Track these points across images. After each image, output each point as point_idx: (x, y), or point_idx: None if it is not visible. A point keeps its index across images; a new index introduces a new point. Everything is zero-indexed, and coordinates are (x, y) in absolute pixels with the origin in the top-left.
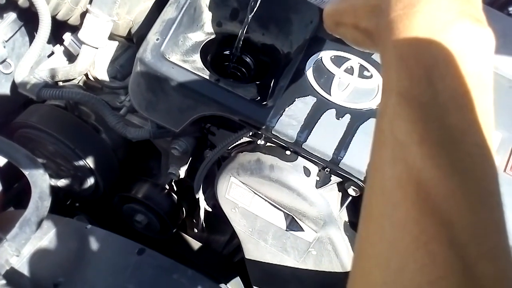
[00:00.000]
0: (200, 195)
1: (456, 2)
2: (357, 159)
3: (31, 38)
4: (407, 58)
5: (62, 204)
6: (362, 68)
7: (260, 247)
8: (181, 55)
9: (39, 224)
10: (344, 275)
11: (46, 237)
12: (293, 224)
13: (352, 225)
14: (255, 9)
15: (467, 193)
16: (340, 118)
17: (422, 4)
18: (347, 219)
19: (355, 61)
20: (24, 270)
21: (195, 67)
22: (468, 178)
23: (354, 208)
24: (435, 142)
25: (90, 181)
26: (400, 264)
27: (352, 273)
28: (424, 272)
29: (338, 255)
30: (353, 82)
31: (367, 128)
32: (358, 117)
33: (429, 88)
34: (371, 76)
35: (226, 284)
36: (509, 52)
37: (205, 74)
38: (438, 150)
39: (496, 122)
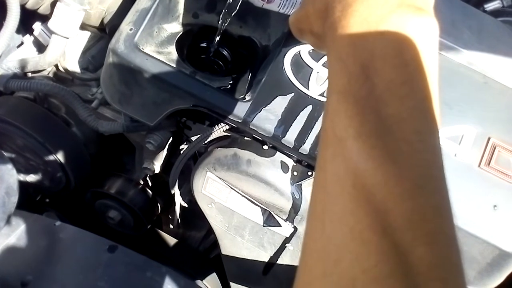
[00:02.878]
0: (176, 191)
1: None
2: None
3: None
4: (345, 58)
5: (31, 200)
6: None
7: (236, 243)
8: (155, 46)
9: (6, 221)
10: None
11: (14, 234)
12: (270, 220)
13: None
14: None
15: (403, 180)
16: (318, 113)
17: (358, 3)
18: None
19: None
20: None
21: (170, 59)
22: (405, 165)
23: None
24: (371, 134)
25: (61, 176)
26: (338, 256)
27: (298, 269)
28: (359, 262)
29: None
30: None
31: None
32: None
33: (366, 83)
34: None
35: (202, 281)
36: (483, 48)
37: (181, 66)
38: (373, 141)
39: (471, 117)
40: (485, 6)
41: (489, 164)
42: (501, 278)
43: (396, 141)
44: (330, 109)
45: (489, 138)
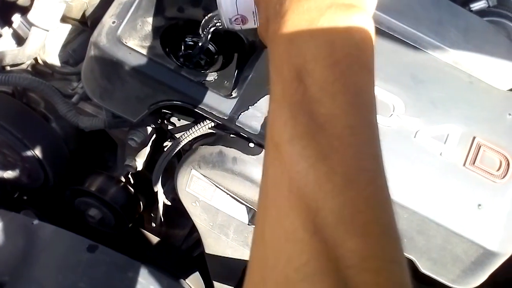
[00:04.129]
0: (159, 189)
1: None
2: None
3: None
4: (280, 66)
5: (9, 197)
6: None
7: (221, 242)
8: (139, 40)
9: None
10: None
11: None
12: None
13: None
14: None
15: (334, 176)
16: None
17: (290, 12)
18: None
19: None
20: None
21: (154, 53)
22: (337, 161)
23: None
24: (303, 135)
25: (39, 173)
26: (274, 260)
27: (245, 277)
28: (291, 262)
29: None
30: None
31: None
32: None
33: (299, 87)
34: None
35: (185, 280)
36: (469, 48)
37: (165, 61)
38: (305, 142)
39: (456, 116)
40: (471, 5)
41: (474, 163)
42: (484, 277)
43: (328, 138)
44: (269, 118)
45: (474, 138)
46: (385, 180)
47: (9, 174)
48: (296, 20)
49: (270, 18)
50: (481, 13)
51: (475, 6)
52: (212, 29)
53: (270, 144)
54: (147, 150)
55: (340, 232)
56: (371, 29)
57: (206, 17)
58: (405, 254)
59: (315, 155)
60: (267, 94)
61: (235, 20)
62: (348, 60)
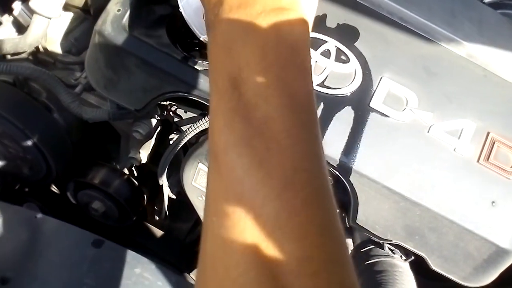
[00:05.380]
0: (164, 182)
1: (252, 5)
2: (332, 146)
3: None
4: (215, 75)
5: (10, 189)
6: (339, 51)
7: None
8: (145, 29)
9: None
10: None
11: None
12: None
13: None
14: None
15: (270, 180)
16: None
17: (223, 23)
18: None
19: (332, 44)
20: None
21: (160, 42)
22: (273, 164)
23: None
24: (237, 142)
25: (41, 164)
26: (212, 272)
27: None
28: (228, 273)
29: None
30: (329, 66)
31: (343, 116)
32: (333, 103)
33: (233, 94)
34: (348, 61)
35: (189, 274)
36: (484, 41)
37: (172, 51)
38: (240, 149)
39: (470, 111)
40: None
41: (488, 159)
42: (496, 275)
43: (264, 143)
44: (209, 129)
45: (488, 133)
46: (325, 179)
47: (10, 165)
48: (229, 29)
49: (208, 29)
50: (494, 5)
51: None
52: None
53: (210, 154)
54: (151, 142)
55: (277, 237)
56: (304, 30)
57: None
58: (415, 251)
59: (250, 161)
60: None
61: (204, 30)
62: (281, 62)
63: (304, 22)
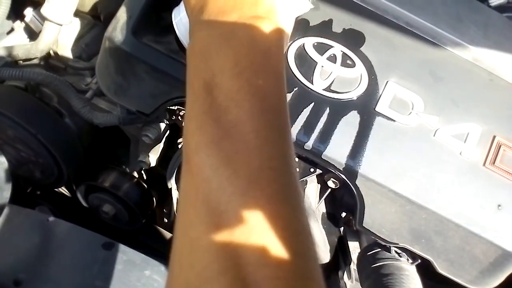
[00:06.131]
0: (173, 185)
1: (229, 13)
2: (338, 150)
3: None
4: (191, 80)
5: (21, 192)
6: (345, 56)
7: None
8: (154, 35)
9: None
10: (321, 267)
11: (5, 230)
12: None
13: (330, 217)
14: None
15: (237, 179)
16: (322, 109)
17: (201, 30)
18: (324, 211)
19: (338, 49)
20: None
21: (170, 49)
22: (240, 164)
23: (332, 200)
24: (208, 144)
25: (53, 168)
26: (179, 269)
27: None
28: (193, 268)
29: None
30: (335, 71)
31: (349, 120)
32: (340, 108)
33: (207, 98)
34: (353, 65)
35: None
36: (490, 45)
37: (180, 57)
38: (210, 150)
39: (476, 115)
40: (490, 1)
41: (494, 163)
42: (502, 278)
43: (233, 144)
44: (183, 131)
45: (494, 137)
46: (292, 177)
47: (22, 169)
48: (206, 36)
49: (189, 36)
50: (500, 8)
51: (494, 1)
52: None
53: (183, 155)
54: (160, 146)
55: (240, 231)
56: (278, 37)
57: None
58: (423, 254)
59: (218, 161)
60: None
61: None
62: (253, 68)
63: (279, 30)
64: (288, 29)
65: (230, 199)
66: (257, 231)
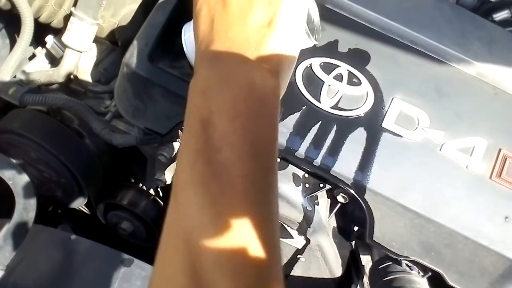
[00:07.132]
0: None
1: (233, 57)
2: (346, 166)
3: (12, 40)
4: (190, 116)
5: (43, 211)
6: (351, 75)
7: None
8: (169, 60)
9: (23, 236)
10: (332, 281)
11: (30, 248)
12: (282, 231)
13: (341, 231)
14: None
15: (218, 221)
16: (330, 126)
17: (203, 69)
18: (335, 225)
19: (344, 68)
20: (8, 283)
21: (183, 72)
22: (225, 206)
23: (343, 214)
24: (197, 182)
25: (74, 187)
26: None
27: None
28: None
29: (327, 261)
30: (342, 89)
31: (356, 136)
32: (347, 125)
33: (202, 136)
34: (359, 83)
35: None
36: (494, 60)
37: None
38: (198, 188)
39: (481, 129)
40: (494, 16)
41: (500, 175)
42: None
43: (221, 185)
44: (176, 166)
45: (500, 150)
46: (274, 225)
47: (44, 189)
48: (208, 75)
49: (194, 72)
50: (504, 23)
51: (498, 16)
52: None
53: (172, 190)
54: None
55: (215, 274)
56: (276, 85)
57: None
58: (432, 267)
59: (204, 200)
60: (292, 110)
61: None
62: (249, 112)
63: (277, 78)
64: (287, 75)
65: (210, 241)
66: (230, 275)
